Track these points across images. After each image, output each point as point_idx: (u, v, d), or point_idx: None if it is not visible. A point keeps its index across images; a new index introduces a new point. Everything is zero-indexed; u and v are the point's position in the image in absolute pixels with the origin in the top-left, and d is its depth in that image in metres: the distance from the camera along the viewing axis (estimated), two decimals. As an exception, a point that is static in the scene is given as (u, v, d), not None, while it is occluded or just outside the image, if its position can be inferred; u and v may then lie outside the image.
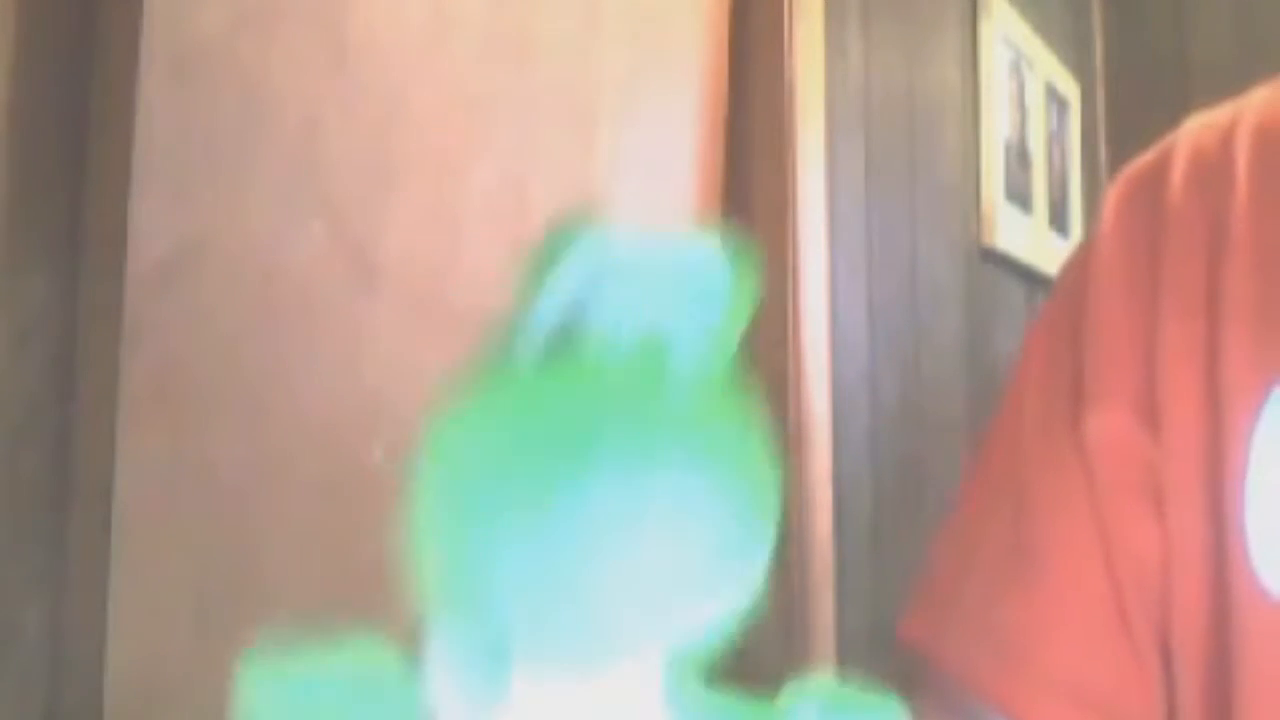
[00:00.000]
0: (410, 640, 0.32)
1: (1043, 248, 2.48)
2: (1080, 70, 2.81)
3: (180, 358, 0.93)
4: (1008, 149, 2.36)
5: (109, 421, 0.88)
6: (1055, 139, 2.63)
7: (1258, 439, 0.57)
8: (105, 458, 0.88)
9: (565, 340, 0.30)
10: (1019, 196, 2.40)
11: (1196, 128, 0.66)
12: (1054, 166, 2.60)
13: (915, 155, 2.06)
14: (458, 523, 0.30)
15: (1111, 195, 0.67)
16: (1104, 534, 0.60)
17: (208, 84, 0.96)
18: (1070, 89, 2.72)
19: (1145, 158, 0.68)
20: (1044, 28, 2.58)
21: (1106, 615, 0.60)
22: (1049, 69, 2.60)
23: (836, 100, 1.78)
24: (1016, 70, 2.42)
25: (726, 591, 0.30)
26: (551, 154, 1.33)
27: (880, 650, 1.48)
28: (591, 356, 0.29)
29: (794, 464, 1.59)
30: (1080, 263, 0.66)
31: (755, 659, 1.74)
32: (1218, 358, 0.59)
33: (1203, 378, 0.59)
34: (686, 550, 0.29)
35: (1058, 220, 2.59)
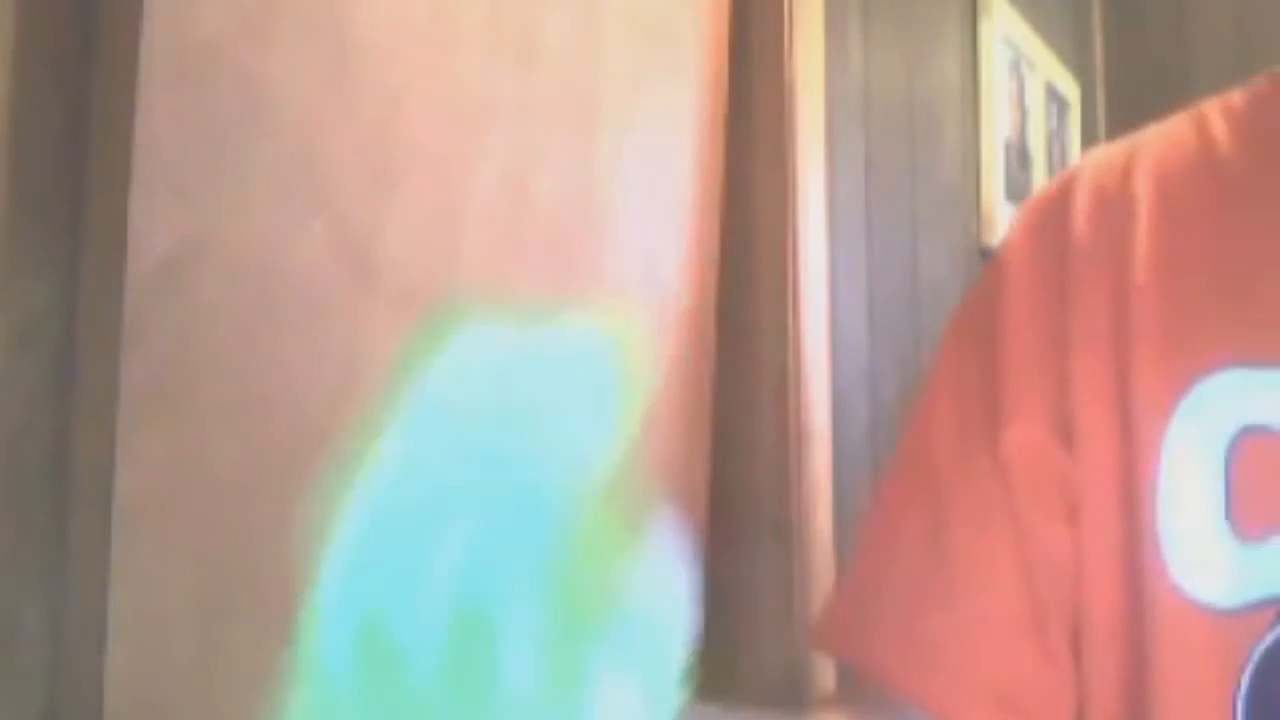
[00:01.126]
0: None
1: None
2: (1080, 70, 2.81)
3: (180, 358, 0.93)
4: (1008, 149, 2.36)
5: (109, 421, 0.88)
6: (1055, 139, 2.63)
7: (1166, 449, 0.61)
8: (105, 458, 0.88)
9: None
10: (1019, 196, 2.40)
11: (1095, 164, 0.71)
12: (1054, 166, 2.60)
13: (915, 155, 2.06)
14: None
15: (1018, 224, 0.71)
16: (1020, 541, 0.64)
17: (208, 84, 0.96)
18: (1070, 89, 2.72)
19: (1047, 189, 0.73)
20: (1044, 28, 2.58)
21: (1024, 621, 0.64)
22: (1049, 69, 2.60)
23: (836, 100, 1.78)
24: (1016, 70, 2.42)
25: None
26: (551, 154, 1.33)
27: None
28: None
29: (794, 464, 1.59)
30: (990, 286, 0.69)
31: (755, 659, 1.74)
32: (1127, 378, 0.62)
33: (1113, 396, 0.63)
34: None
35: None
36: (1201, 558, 0.60)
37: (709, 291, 1.58)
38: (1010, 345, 0.66)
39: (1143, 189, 0.67)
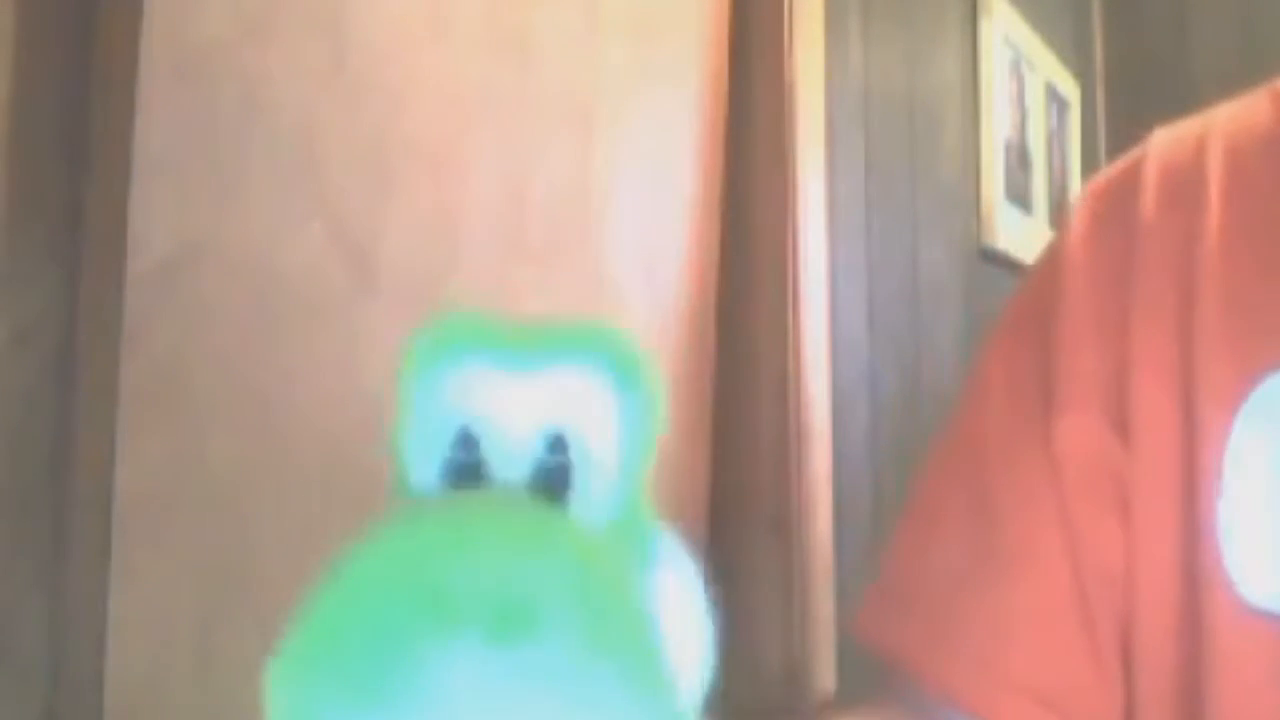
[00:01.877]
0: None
1: (1043, 248, 2.47)
2: (1080, 70, 2.81)
3: (180, 358, 0.93)
4: (1008, 149, 2.36)
5: (109, 421, 0.88)
6: (1055, 139, 2.63)
7: (1232, 446, 0.58)
8: (105, 458, 0.88)
9: (455, 479, 0.27)
10: (1019, 196, 2.40)
11: (1165, 141, 0.67)
12: (1054, 166, 2.60)
13: (915, 155, 2.06)
14: (328, 689, 0.27)
15: (1082, 206, 0.68)
16: (1070, 537, 0.61)
17: (208, 84, 0.96)
18: (1070, 89, 2.72)
19: (1114, 169, 0.69)
20: (1044, 28, 2.58)
21: (1071, 618, 0.61)
22: (1049, 69, 2.60)
23: (836, 100, 1.78)
24: (1016, 70, 2.42)
25: None
26: (551, 154, 1.33)
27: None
28: (482, 498, 0.26)
29: (794, 463, 1.59)
30: (1048, 273, 0.66)
31: (754, 659, 1.74)
32: (1192, 369, 0.59)
33: (1176, 388, 0.60)
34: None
35: (1058, 220, 2.59)
36: (1264, 560, 0.57)
37: (709, 291, 1.58)
38: (1068, 333, 0.63)
39: (1214, 168, 0.64)
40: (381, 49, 1.12)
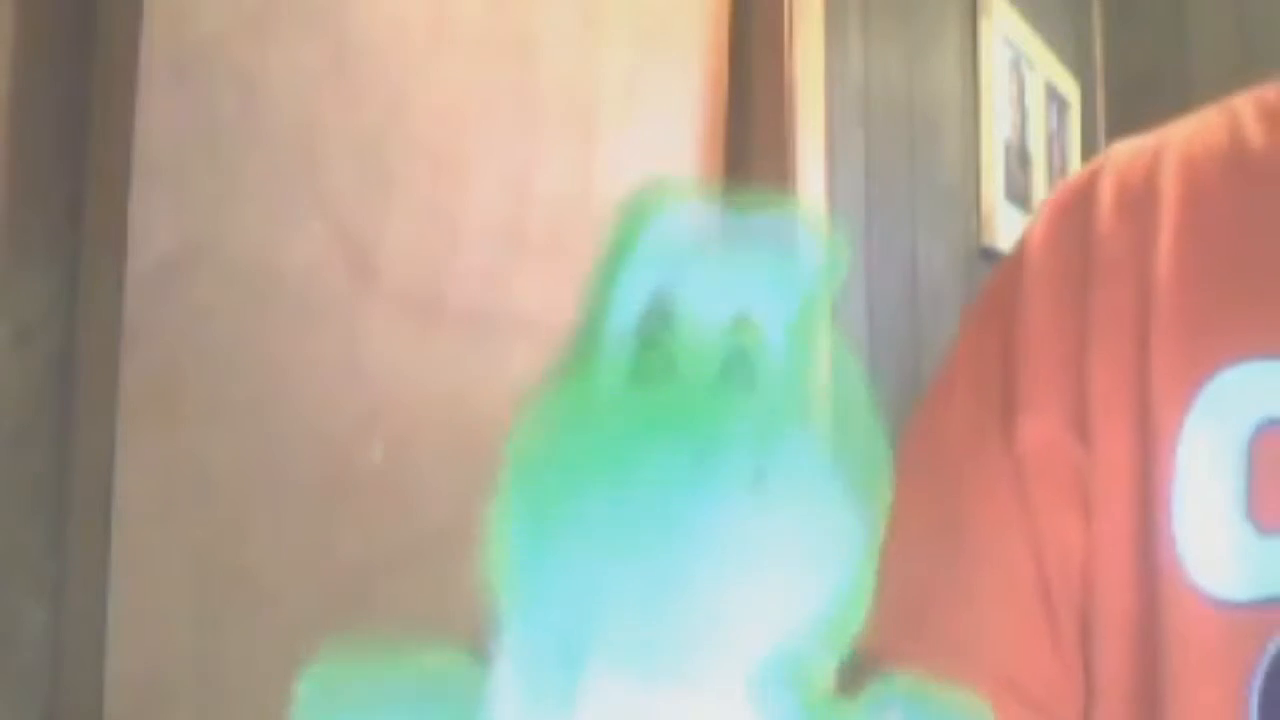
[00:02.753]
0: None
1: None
2: (1080, 70, 2.81)
3: (180, 358, 0.93)
4: (1008, 149, 2.36)
5: (109, 421, 0.88)
6: (1055, 139, 2.63)
7: (1184, 441, 0.61)
8: (105, 458, 0.88)
9: (650, 331, 0.28)
10: (1019, 196, 2.40)
11: (1122, 154, 0.71)
12: (1054, 166, 2.60)
13: (915, 155, 2.06)
14: (536, 522, 0.28)
15: (1042, 215, 0.71)
16: (1033, 533, 0.63)
17: (208, 84, 0.96)
18: (1070, 89, 2.72)
19: (1072, 181, 0.72)
20: (1044, 28, 2.58)
21: (1037, 614, 0.63)
22: (1049, 69, 2.60)
23: (836, 100, 1.78)
24: (1016, 70, 2.42)
25: (821, 598, 0.28)
26: (551, 154, 1.33)
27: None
28: (677, 349, 0.28)
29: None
30: (1009, 279, 0.69)
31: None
32: (1147, 370, 0.62)
33: (1132, 388, 0.62)
34: (779, 557, 0.27)
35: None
36: (1217, 551, 0.59)
37: (709, 291, 1.58)
38: (1028, 336, 0.66)
39: (1169, 182, 0.67)
40: (381, 49, 1.12)
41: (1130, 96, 2.86)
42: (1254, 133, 0.67)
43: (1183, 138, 0.69)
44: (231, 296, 0.98)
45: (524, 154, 1.29)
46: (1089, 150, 2.79)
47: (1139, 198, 0.67)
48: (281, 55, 1.02)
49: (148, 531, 0.90)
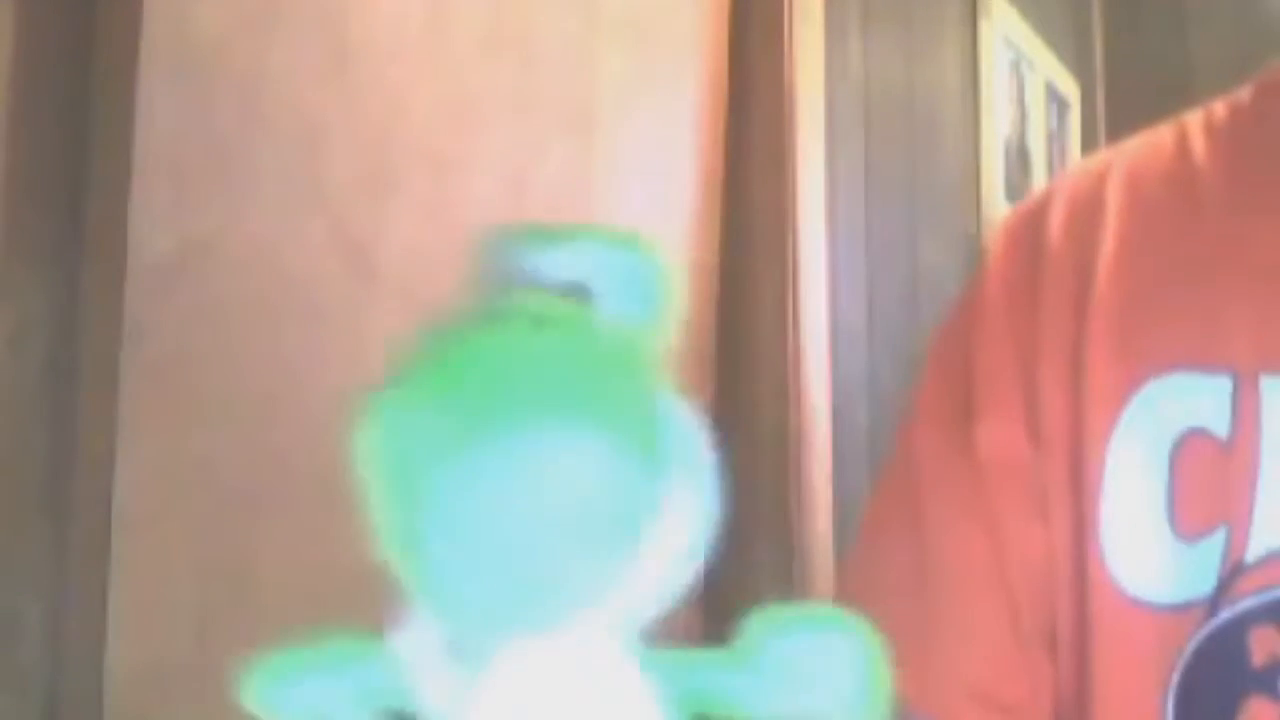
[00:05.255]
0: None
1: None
2: (1080, 70, 2.81)
3: (181, 357, 0.93)
4: (1008, 149, 2.36)
5: (109, 421, 0.88)
6: (1055, 139, 2.63)
7: (1112, 448, 0.63)
8: (105, 458, 0.88)
9: (500, 296, 0.32)
10: (1019, 196, 2.40)
11: (1075, 174, 0.75)
12: (1054, 166, 2.60)
13: (915, 155, 2.06)
14: (402, 488, 0.31)
15: (998, 237, 0.74)
16: (997, 541, 0.65)
17: (208, 84, 0.96)
18: (1070, 89, 2.72)
19: (1029, 202, 0.76)
20: (1044, 28, 2.58)
21: (1004, 624, 0.66)
22: (1049, 69, 2.60)
23: (836, 100, 1.78)
24: (1016, 70, 2.42)
25: (665, 544, 0.31)
26: (551, 154, 1.33)
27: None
28: (523, 311, 0.31)
29: (794, 463, 1.59)
30: (970, 297, 0.72)
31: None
32: (1081, 381, 0.65)
33: (1069, 397, 0.65)
34: (617, 502, 0.29)
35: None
36: (1141, 555, 0.62)
37: (709, 291, 1.58)
38: (986, 351, 0.68)
39: (1114, 196, 0.69)
40: (382, 48, 1.12)
41: (1130, 96, 2.86)
42: (1198, 148, 0.69)
43: (1133, 152, 0.72)
44: (232, 296, 0.98)
45: (524, 154, 1.29)
46: (1089, 150, 2.79)
47: (1085, 211, 0.69)
48: (281, 55, 1.02)
49: (148, 531, 0.91)
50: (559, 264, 0.32)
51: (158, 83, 0.91)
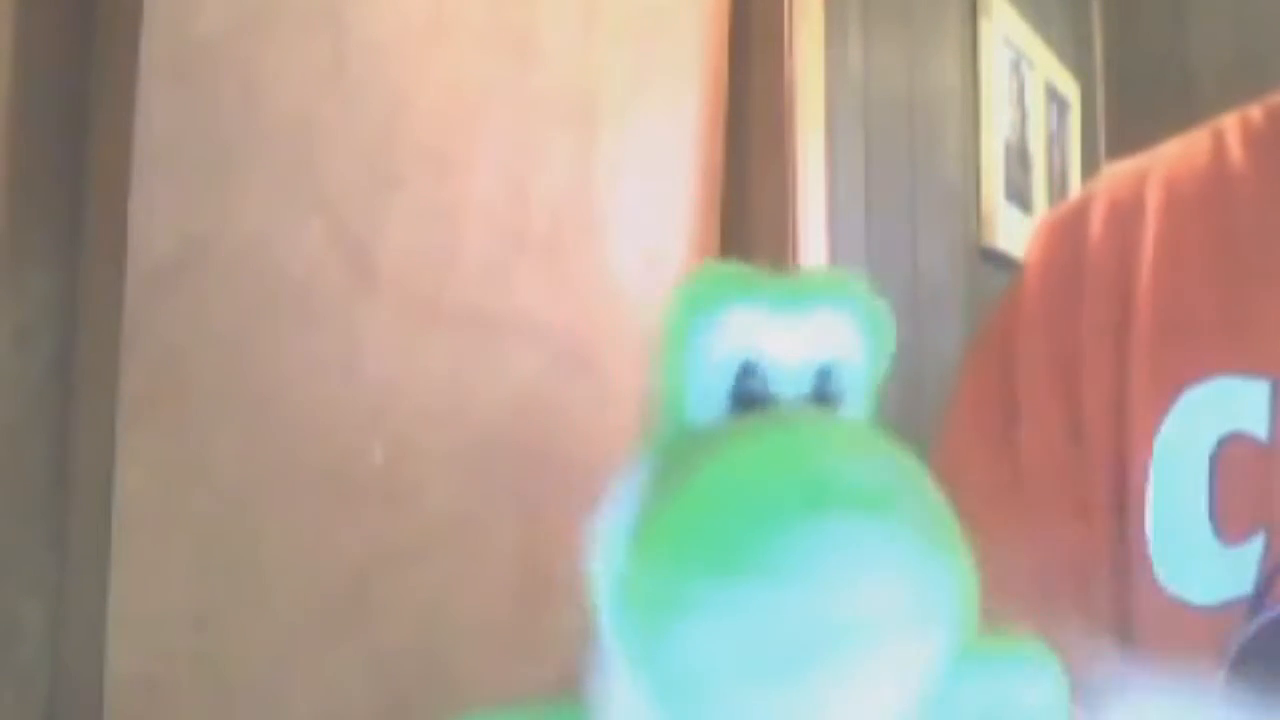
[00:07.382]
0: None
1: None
2: (1080, 70, 2.81)
3: (180, 357, 0.93)
4: (1008, 149, 2.36)
5: (109, 421, 0.88)
6: (1055, 139, 2.63)
7: (1157, 452, 0.64)
8: (105, 458, 0.88)
9: (742, 408, 0.29)
10: (1019, 196, 2.40)
11: (1113, 177, 0.74)
12: (1054, 166, 2.60)
13: (915, 155, 2.06)
14: (659, 582, 0.27)
15: (1037, 241, 0.75)
16: (1034, 539, 0.66)
17: (207, 84, 0.96)
18: (1070, 89, 2.72)
19: (1067, 205, 0.76)
20: (1044, 28, 2.58)
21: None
22: (1049, 69, 2.60)
23: (836, 100, 1.78)
24: (1016, 70, 2.42)
25: (935, 636, 0.28)
26: (551, 154, 1.33)
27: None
28: (769, 414, 0.28)
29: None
30: (1010, 302, 0.73)
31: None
32: (1126, 382, 0.66)
33: (1113, 400, 0.66)
34: (895, 599, 0.27)
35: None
36: (1184, 557, 0.63)
37: (709, 291, 1.58)
38: (1027, 354, 0.69)
39: (1153, 199, 0.70)
40: (382, 47, 1.12)
41: (1130, 96, 2.86)
42: (1235, 153, 0.70)
43: (1170, 156, 0.72)
44: (232, 296, 0.98)
45: (524, 153, 1.29)
46: (1089, 150, 2.79)
47: (1126, 214, 0.70)
48: (281, 55, 1.02)
49: (148, 531, 0.91)
50: (793, 341, 0.29)
51: (158, 83, 0.91)
